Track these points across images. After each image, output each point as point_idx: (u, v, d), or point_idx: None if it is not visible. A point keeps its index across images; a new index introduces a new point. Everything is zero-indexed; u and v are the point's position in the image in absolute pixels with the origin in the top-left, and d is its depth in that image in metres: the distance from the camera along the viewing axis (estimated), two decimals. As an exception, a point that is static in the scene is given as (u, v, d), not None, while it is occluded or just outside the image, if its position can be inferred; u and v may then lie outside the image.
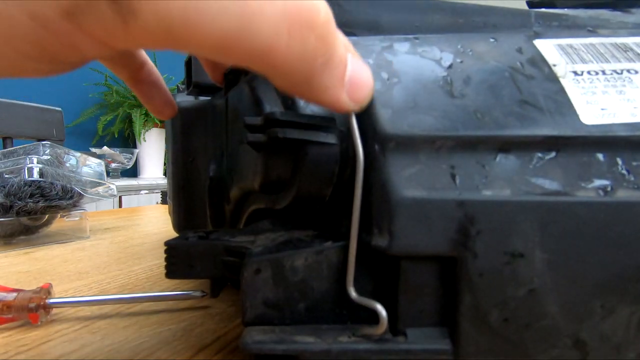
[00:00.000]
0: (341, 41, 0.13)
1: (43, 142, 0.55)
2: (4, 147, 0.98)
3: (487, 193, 0.14)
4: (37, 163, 0.50)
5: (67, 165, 0.55)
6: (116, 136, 1.94)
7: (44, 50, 0.11)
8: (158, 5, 0.10)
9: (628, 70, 0.17)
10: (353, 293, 0.15)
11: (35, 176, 0.49)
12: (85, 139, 1.92)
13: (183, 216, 0.31)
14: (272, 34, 0.11)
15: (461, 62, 0.17)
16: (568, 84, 0.17)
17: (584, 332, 0.14)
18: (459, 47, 0.18)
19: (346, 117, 0.17)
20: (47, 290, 0.26)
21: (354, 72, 0.14)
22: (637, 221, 0.14)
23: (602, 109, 0.16)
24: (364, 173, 0.16)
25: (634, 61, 0.17)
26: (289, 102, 0.19)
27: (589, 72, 0.17)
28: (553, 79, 0.17)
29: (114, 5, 0.10)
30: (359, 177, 0.15)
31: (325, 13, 0.12)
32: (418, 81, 0.16)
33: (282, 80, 0.13)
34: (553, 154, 0.15)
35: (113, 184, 0.59)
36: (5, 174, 0.49)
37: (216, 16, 0.10)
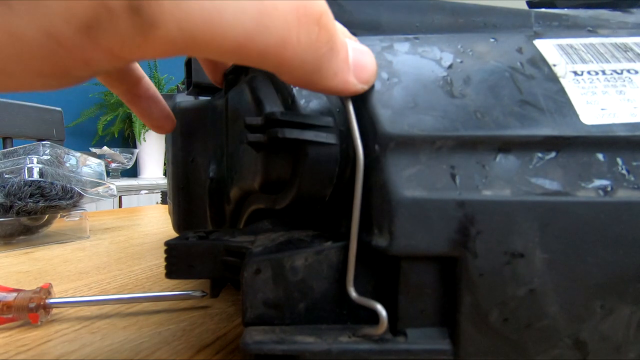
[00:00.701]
0: (340, 28, 0.14)
1: (43, 142, 0.55)
2: (4, 147, 0.98)
3: (487, 193, 0.14)
4: (37, 163, 0.50)
5: (67, 165, 0.55)
6: (116, 136, 1.94)
7: (55, 66, 0.11)
8: (180, 14, 0.10)
9: (628, 70, 0.17)
10: (353, 293, 0.15)
11: (35, 176, 0.49)
12: (85, 139, 1.92)
13: (183, 216, 0.31)
14: (285, 28, 0.11)
15: (461, 62, 0.17)
16: (568, 84, 0.17)
17: (584, 332, 0.14)
18: (459, 47, 0.18)
19: (346, 116, 0.17)
20: (47, 290, 0.26)
21: (355, 55, 0.15)
22: (637, 221, 0.14)
23: (602, 109, 0.16)
24: (364, 173, 0.16)
25: (634, 61, 0.17)
26: (289, 102, 0.19)
27: (589, 72, 0.17)
28: (553, 79, 0.17)
29: (135, 18, 0.09)
30: (359, 175, 0.15)
31: (323, 4, 0.13)
32: (418, 81, 0.16)
33: (293, 74, 0.13)
34: (553, 154, 0.15)
35: (113, 184, 0.59)
36: (5, 174, 0.49)
37: (235, 18, 0.10)
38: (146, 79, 0.23)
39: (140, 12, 0.09)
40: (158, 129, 0.25)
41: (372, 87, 0.16)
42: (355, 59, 0.15)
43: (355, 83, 0.15)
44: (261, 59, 0.12)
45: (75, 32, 0.10)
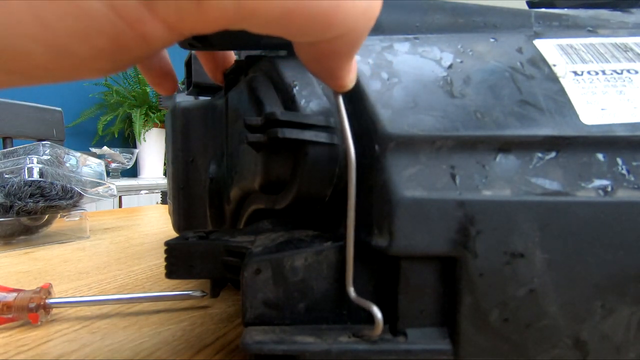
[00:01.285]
0: None
1: (43, 142, 0.55)
2: (4, 147, 0.98)
3: (487, 193, 0.14)
4: (37, 163, 0.50)
5: (67, 165, 0.55)
6: (116, 136, 1.94)
7: (117, 43, 0.11)
8: None
9: (628, 70, 0.17)
10: (352, 293, 0.15)
11: (35, 176, 0.49)
12: (85, 139, 1.92)
13: (183, 216, 0.31)
14: None
15: (461, 62, 0.17)
16: (568, 84, 0.17)
17: (584, 332, 0.14)
18: (459, 47, 0.18)
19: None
20: (47, 290, 0.26)
21: None
22: (637, 221, 0.14)
23: (602, 109, 0.16)
24: (364, 173, 0.16)
25: (634, 61, 0.17)
26: (289, 103, 0.19)
27: (589, 72, 0.17)
28: (553, 79, 0.17)
29: None
30: (352, 174, 0.15)
31: None
32: (418, 81, 0.16)
33: (329, 44, 0.13)
34: (553, 154, 0.15)
35: (113, 184, 0.59)
36: (5, 174, 0.49)
37: None
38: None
39: None
40: (160, 89, 0.25)
41: (371, 87, 0.16)
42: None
43: (351, 77, 0.15)
44: (306, 25, 0.11)
45: (138, 5, 0.10)
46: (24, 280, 0.35)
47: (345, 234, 0.15)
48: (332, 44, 0.13)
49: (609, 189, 0.14)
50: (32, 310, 0.25)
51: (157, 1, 0.10)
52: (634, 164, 0.15)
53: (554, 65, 0.17)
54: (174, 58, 0.23)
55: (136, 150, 1.82)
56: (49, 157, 0.52)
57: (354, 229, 0.17)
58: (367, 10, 0.12)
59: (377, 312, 0.14)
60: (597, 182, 0.14)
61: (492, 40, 0.19)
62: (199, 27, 0.11)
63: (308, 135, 0.16)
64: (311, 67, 0.14)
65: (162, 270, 0.32)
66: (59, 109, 1.12)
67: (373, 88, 0.16)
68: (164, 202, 0.92)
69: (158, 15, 0.10)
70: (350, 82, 0.15)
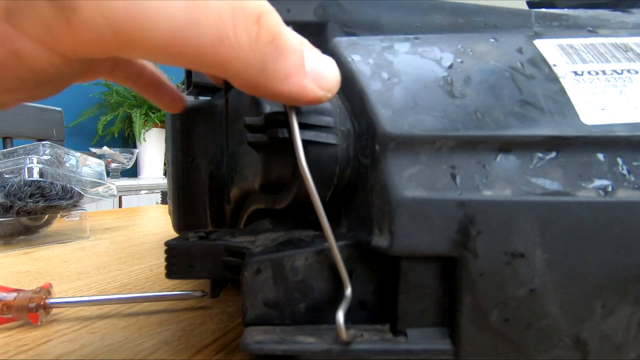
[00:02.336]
0: (293, 34, 0.14)
1: (43, 142, 0.55)
2: (4, 147, 0.98)
3: (488, 193, 0.14)
4: (37, 163, 0.50)
5: (67, 165, 0.55)
6: (116, 136, 1.94)
7: None
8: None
9: (628, 70, 0.17)
10: (348, 292, 0.15)
11: (35, 176, 0.49)
12: (85, 139, 1.92)
13: (183, 216, 0.31)
14: (219, 25, 0.11)
15: (461, 62, 0.17)
16: (568, 84, 0.17)
17: (584, 332, 0.14)
18: (459, 47, 0.18)
19: (346, 117, 0.17)
20: (47, 290, 0.26)
21: (315, 62, 0.14)
22: (637, 221, 0.14)
23: (603, 109, 0.16)
24: (364, 173, 0.16)
25: (634, 61, 0.17)
26: (289, 102, 0.19)
27: (589, 72, 0.17)
28: (553, 79, 0.17)
29: (54, 1, 0.09)
30: (313, 193, 0.15)
31: (265, 4, 0.13)
32: (418, 81, 0.16)
33: (241, 76, 0.13)
34: (553, 154, 0.15)
35: (113, 184, 0.59)
36: (5, 174, 0.49)
37: (162, 10, 0.10)
38: (149, 67, 0.23)
39: None
40: (171, 109, 0.25)
41: (372, 87, 0.16)
42: (315, 66, 0.14)
43: (314, 89, 0.14)
44: (199, 58, 0.11)
45: None
46: (24, 280, 0.35)
47: (326, 236, 0.15)
48: (245, 77, 0.13)
49: (610, 189, 0.14)
50: (32, 310, 0.25)
51: (19, 16, 0.10)
52: (634, 163, 0.15)
53: (554, 65, 0.17)
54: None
55: (136, 150, 1.82)
56: (49, 157, 0.52)
57: (354, 229, 0.17)
58: (251, 41, 0.12)
59: (340, 319, 0.14)
60: (598, 182, 0.14)
61: (492, 40, 0.19)
62: (79, 49, 0.11)
63: (308, 135, 0.16)
64: (257, 95, 0.14)
65: (162, 270, 0.32)
66: (59, 109, 1.12)
67: (373, 88, 0.16)
68: (164, 202, 0.92)
69: (26, 32, 0.10)
70: (312, 94, 0.14)
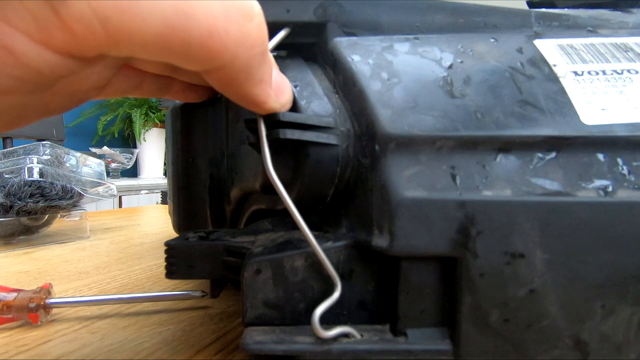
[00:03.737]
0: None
1: (43, 142, 0.55)
2: (4, 147, 0.98)
3: (488, 193, 0.14)
4: (37, 163, 0.50)
5: (67, 165, 0.55)
6: (116, 136, 1.94)
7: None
8: None
9: (628, 70, 0.17)
10: (337, 292, 0.15)
11: (35, 176, 0.49)
12: (85, 139, 1.92)
13: (183, 216, 0.31)
14: (210, 18, 0.11)
15: (461, 62, 0.17)
16: (568, 84, 0.17)
17: (584, 332, 0.14)
18: (459, 47, 0.18)
19: (346, 117, 0.17)
20: (47, 290, 0.26)
21: (278, 77, 0.15)
22: (637, 221, 0.14)
23: (603, 109, 0.16)
24: (364, 173, 0.16)
25: (634, 61, 0.17)
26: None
27: (589, 72, 0.17)
28: (553, 79, 0.17)
29: None
30: (287, 201, 0.15)
31: (259, 7, 0.13)
32: (418, 81, 0.16)
33: (223, 70, 0.13)
34: (553, 154, 0.15)
35: (113, 184, 0.59)
36: (5, 174, 0.49)
37: (152, 2, 0.10)
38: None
39: None
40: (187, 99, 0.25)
41: (371, 87, 0.16)
42: (277, 80, 0.15)
43: (275, 99, 0.15)
44: (188, 52, 0.11)
45: None
46: (24, 280, 0.35)
47: (306, 236, 0.15)
48: (226, 71, 0.13)
49: (610, 189, 0.14)
50: (32, 310, 0.25)
51: (8, 9, 0.09)
52: (635, 164, 0.15)
53: (554, 65, 0.17)
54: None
55: (136, 150, 1.82)
56: (49, 157, 0.52)
57: (354, 229, 0.17)
58: (244, 37, 0.12)
59: (315, 318, 0.14)
60: (598, 182, 0.14)
61: (492, 40, 0.19)
62: (69, 44, 0.10)
63: (309, 136, 0.16)
64: (224, 93, 0.14)
65: (162, 270, 0.32)
66: (59, 109, 1.12)
67: (373, 88, 0.16)
68: (164, 202, 0.92)
69: (17, 26, 0.10)
70: (273, 104, 0.15)
